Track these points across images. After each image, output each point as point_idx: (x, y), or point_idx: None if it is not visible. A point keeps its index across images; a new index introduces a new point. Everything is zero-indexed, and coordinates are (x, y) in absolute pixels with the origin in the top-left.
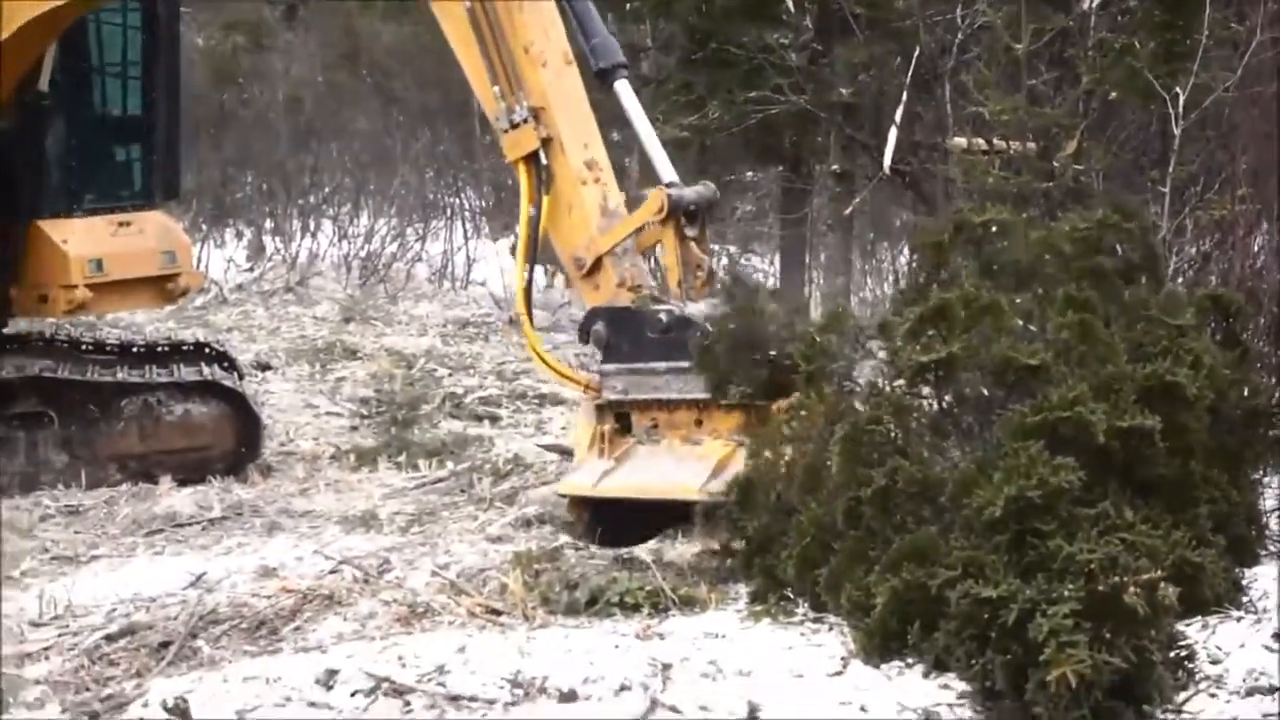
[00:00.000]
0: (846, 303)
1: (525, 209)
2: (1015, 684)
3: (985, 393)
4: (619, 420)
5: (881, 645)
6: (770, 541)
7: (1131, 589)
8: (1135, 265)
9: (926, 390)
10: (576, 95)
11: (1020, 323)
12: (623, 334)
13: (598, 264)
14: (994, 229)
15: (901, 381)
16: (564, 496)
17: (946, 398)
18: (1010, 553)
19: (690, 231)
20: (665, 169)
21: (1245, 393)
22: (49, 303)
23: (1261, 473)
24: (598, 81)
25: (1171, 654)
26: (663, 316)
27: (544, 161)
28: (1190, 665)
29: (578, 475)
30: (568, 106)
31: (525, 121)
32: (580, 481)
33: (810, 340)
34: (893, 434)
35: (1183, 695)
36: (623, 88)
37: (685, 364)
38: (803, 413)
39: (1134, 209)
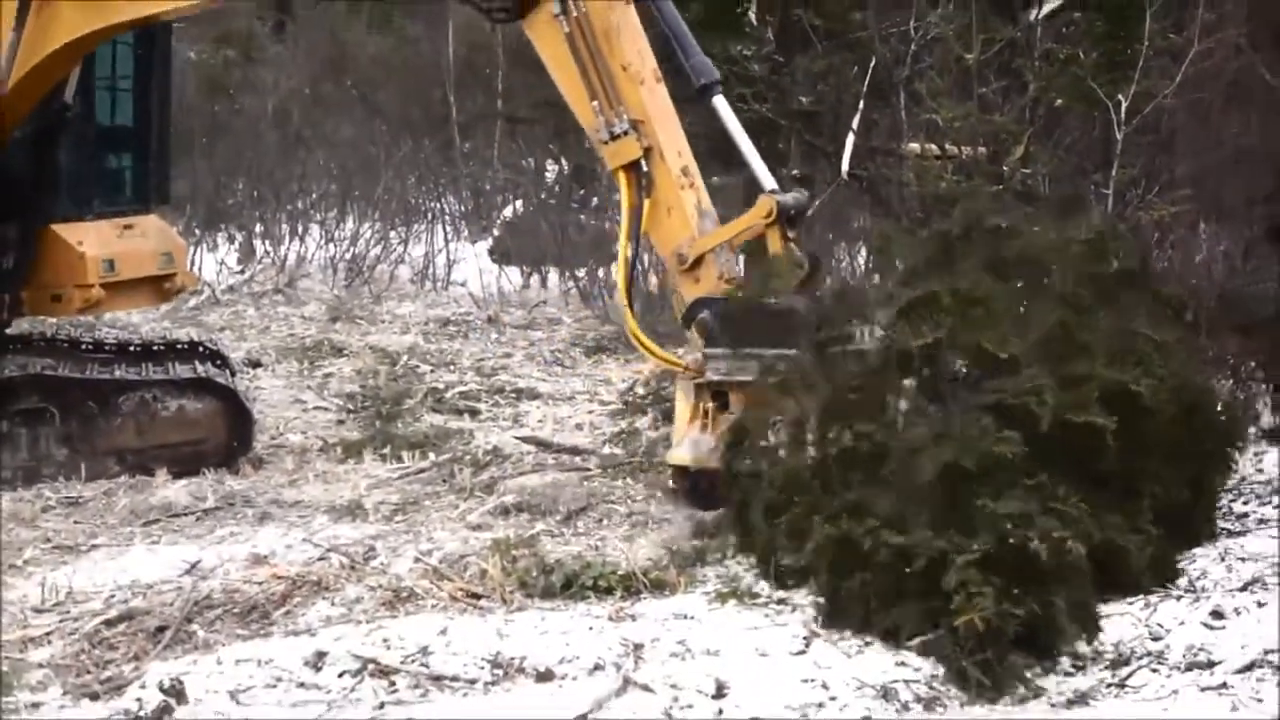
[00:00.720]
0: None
1: (626, 212)
2: (923, 630)
3: (964, 373)
4: (716, 399)
5: (817, 594)
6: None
7: (1038, 543)
8: (1131, 274)
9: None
10: (668, 109)
11: (1013, 315)
12: (729, 322)
13: (700, 260)
14: (1004, 228)
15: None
16: (668, 466)
17: (932, 373)
18: (939, 512)
19: (790, 233)
20: (766, 177)
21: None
22: (63, 302)
23: (1227, 474)
24: (698, 96)
25: (1080, 613)
26: (771, 307)
27: (644, 169)
28: (1098, 628)
29: (681, 449)
30: (663, 119)
31: (626, 133)
32: (683, 454)
33: (823, 311)
34: (877, 402)
35: (1125, 670)
36: (720, 102)
37: (791, 350)
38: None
39: (1128, 235)
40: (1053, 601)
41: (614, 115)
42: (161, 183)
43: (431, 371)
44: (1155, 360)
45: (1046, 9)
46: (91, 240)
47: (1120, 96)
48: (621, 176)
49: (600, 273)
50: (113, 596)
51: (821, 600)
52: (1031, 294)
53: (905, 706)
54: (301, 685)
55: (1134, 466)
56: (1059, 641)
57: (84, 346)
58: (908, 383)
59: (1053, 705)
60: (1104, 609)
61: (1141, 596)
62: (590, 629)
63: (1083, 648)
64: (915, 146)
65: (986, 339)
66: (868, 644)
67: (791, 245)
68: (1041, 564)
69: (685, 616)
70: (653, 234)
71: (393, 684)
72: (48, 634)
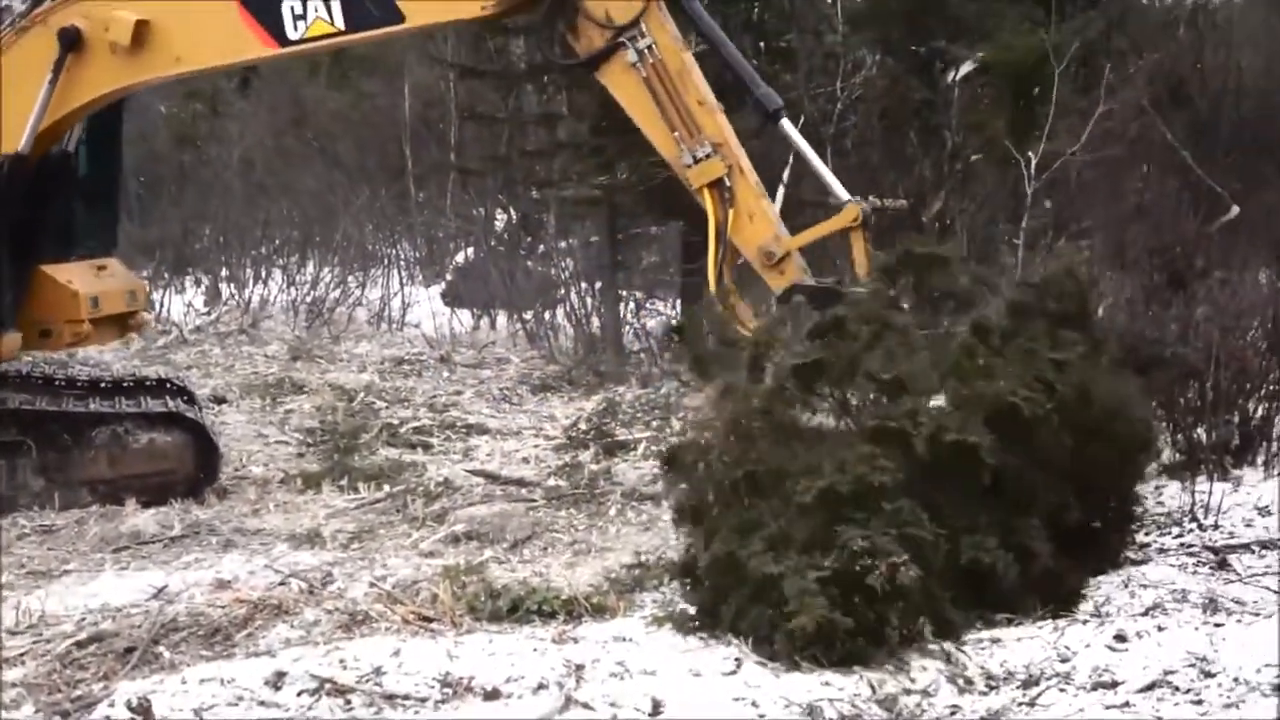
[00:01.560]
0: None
1: (713, 224)
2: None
3: (871, 396)
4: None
5: (701, 610)
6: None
7: (879, 570)
8: (1071, 315)
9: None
10: (733, 133)
11: (931, 341)
12: (823, 306)
13: (785, 256)
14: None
15: (793, 379)
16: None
17: (841, 395)
18: (818, 532)
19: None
20: (840, 189)
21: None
22: (53, 337)
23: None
24: (768, 122)
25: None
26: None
27: (727, 184)
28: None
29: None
30: (735, 141)
31: (709, 156)
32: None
33: (763, 330)
34: (787, 421)
35: (1035, 689)
36: (787, 125)
37: None
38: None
39: (1075, 267)
40: (885, 614)
41: (695, 143)
42: (114, 229)
43: (387, 408)
44: (1057, 378)
45: (963, 72)
46: (78, 279)
47: (1030, 153)
48: (706, 194)
49: (546, 315)
50: (83, 619)
51: (694, 610)
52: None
53: None
54: (262, 704)
55: (1027, 483)
56: (884, 652)
57: (59, 383)
58: (816, 405)
59: None
60: (1015, 631)
61: (1050, 620)
62: (535, 650)
63: (995, 668)
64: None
65: (879, 364)
66: (795, 665)
67: (870, 246)
68: (876, 586)
69: (624, 639)
70: (737, 238)
71: (348, 702)
72: (21, 655)
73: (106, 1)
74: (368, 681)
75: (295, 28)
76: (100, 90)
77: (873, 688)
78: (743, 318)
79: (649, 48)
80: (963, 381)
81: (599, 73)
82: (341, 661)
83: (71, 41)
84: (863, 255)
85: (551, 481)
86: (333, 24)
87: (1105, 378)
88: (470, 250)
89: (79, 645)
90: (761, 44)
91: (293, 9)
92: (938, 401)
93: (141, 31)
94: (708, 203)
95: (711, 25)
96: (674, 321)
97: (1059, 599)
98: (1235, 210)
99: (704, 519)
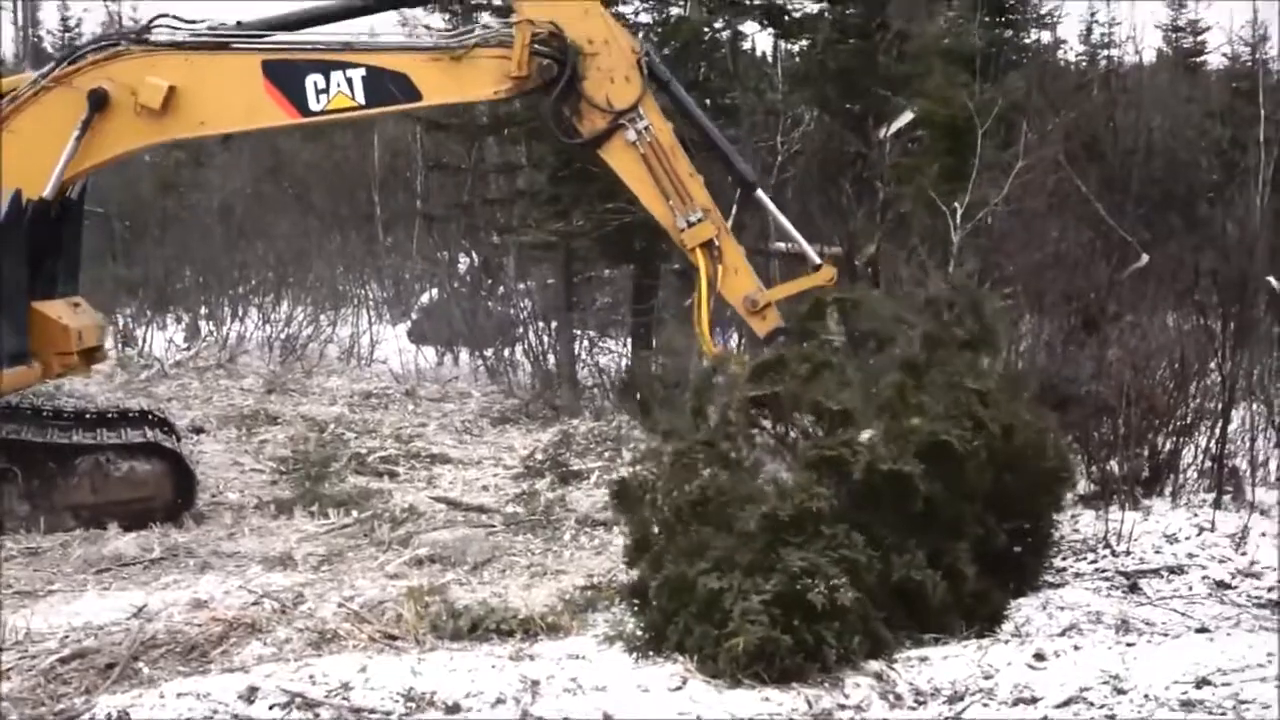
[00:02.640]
0: (731, 353)
1: (705, 278)
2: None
3: (809, 429)
4: None
5: (649, 630)
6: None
7: (818, 589)
8: (978, 340)
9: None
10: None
11: (861, 376)
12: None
13: (767, 305)
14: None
15: (741, 412)
16: None
17: (782, 428)
18: (759, 555)
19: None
20: (813, 253)
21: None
22: (43, 368)
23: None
24: (747, 192)
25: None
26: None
27: (716, 243)
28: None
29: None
30: (717, 208)
31: (700, 220)
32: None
33: (703, 374)
34: (728, 453)
35: (960, 705)
36: (762, 195)
37: None
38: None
39: (981, 296)
40: (821, 633)
41: (688, 209)
42: (77, 271)
43: (356, 438)
44: (983, 414)
45: (895, 127)
46: (65, 315)
47: (957, 204)
48: (698, 253)
49: (505, 352)
50: (67, 637)
51: (644, 627)
52: (880, 360)
53: None
54: (236, 717)
55: (956, 511)
56: (840, 664)
57: (45, 414)
58: (757, 434)
59: None
60: (942, 650)
61: (974, 640)
62: (493, 667)
63: (923, 685)
64: (781, 245)
65: (825, 396)
66: (737, 682)
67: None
68: (817, 606)
69: (577, 657)
70: (724, 290)
71: (317, 716)
72: (7, 670)
73: (132, 66)
74: (336, 696)
75: (317, 100)
76: (124, 148)
77: (809, 703)
78: (733, 359)
79: (646, 127)
80: (895, 417)
81: (601, 150)
82: (311, 677)
83: (100, 102)
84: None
85: (510, 508)
86: (353, 99)
87: (1024, 411)
88: (435, 291)
89: (62, 661)
90: (707, 101)
91: (316, 83)
92: (868, 433)
93: (171, 97)
94: (699, 260)
95: (693, 107)
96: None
97: (983, 619)
98: (1145, 259)
99: (652, 546)
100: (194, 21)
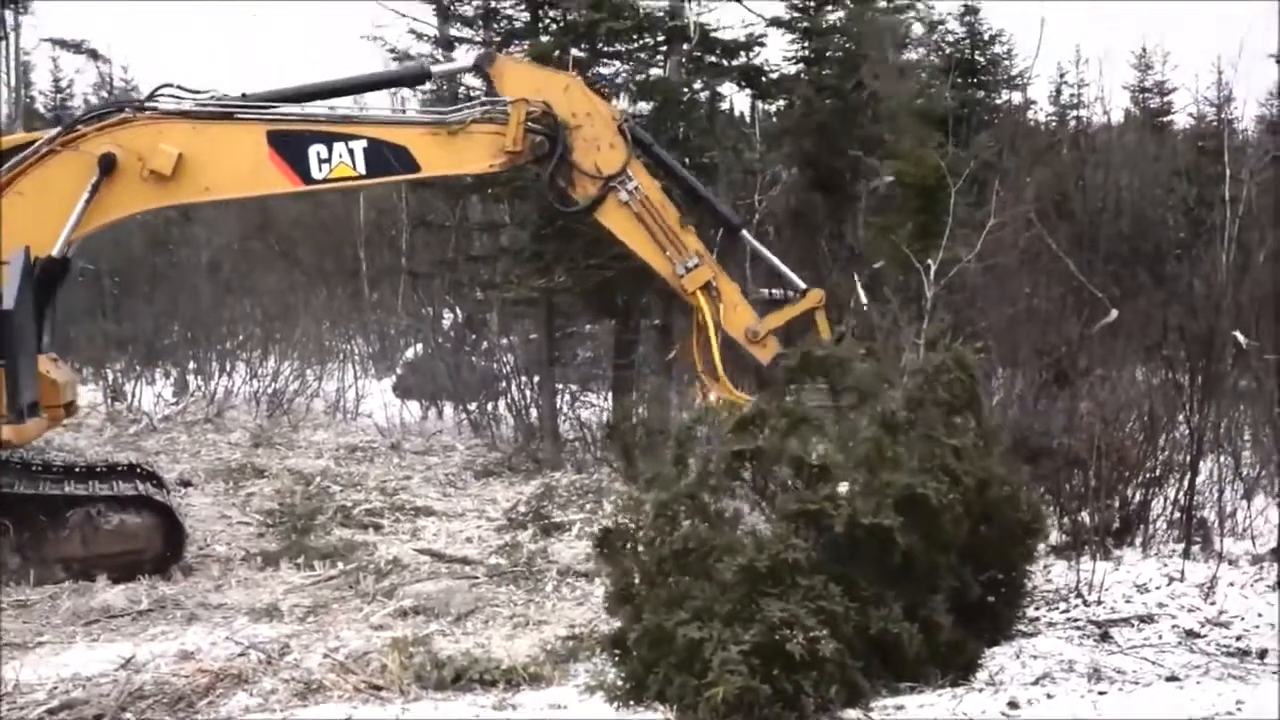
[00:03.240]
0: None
1: (710, 318)
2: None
3: (788, 482)
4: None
5: (630, 680)
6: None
7: (797, 639)
8: (962, 404)
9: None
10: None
11: (840, 431)
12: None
13: (767, 334)
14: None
15: (723, 465)
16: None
17: (762, 481)
18: (739, 605)
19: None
20: (798, 280)
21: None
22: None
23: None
24: (732, 234)
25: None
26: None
27: (714, 284)
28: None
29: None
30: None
31: (697, 265)
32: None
33: (685, 427)
34: (710, 505)
35: None
36: (747, 235)
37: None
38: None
39: (967, 358)
40: (800, 683)
41: (684, 256)
42: (53, 329)
43: (341, 491)
44: (958, 469)
45: (875, 185)
46: (52, 370)
47: (930, 260)
48: (699, 295)
49: (489, 406)
50: (55, 688)
51: (624, 677)
52: (860, 415)
53: None
54: None
55: (932, 562)
56: (818, 713)
57: (35, 468)
58: (738, 486)
59: None
60: (917, 699)
61: (949, 689)
62: (477, 717)
63: None
64: (764, 292)
65: (803, 451)
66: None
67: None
68: (795, 656)
69: (559, 706)
70: (727, 325)
71: None
72: None
73: (139, 132)
74: None
75: (320, 169)
76: (130, 210)
77: None
78: (739, 395)
79: (635, 188)
80: (873, 471)
81: (597, 214)
82: None
83: (109, 167)
84: (825, 328)
85: (493, 560)
86: (354, 169)
87: (998, 466)
88: (419, 346)
89: (51, 713)
90: (686, 159)
91: (319, 153)
92: (844, 486)
93: (177, 163)
94: (702, 302)
95: (675, 165)
96: None
97: (958, 668)
98: (1114, 314)
99: (633, 596)
100: (198, 91)
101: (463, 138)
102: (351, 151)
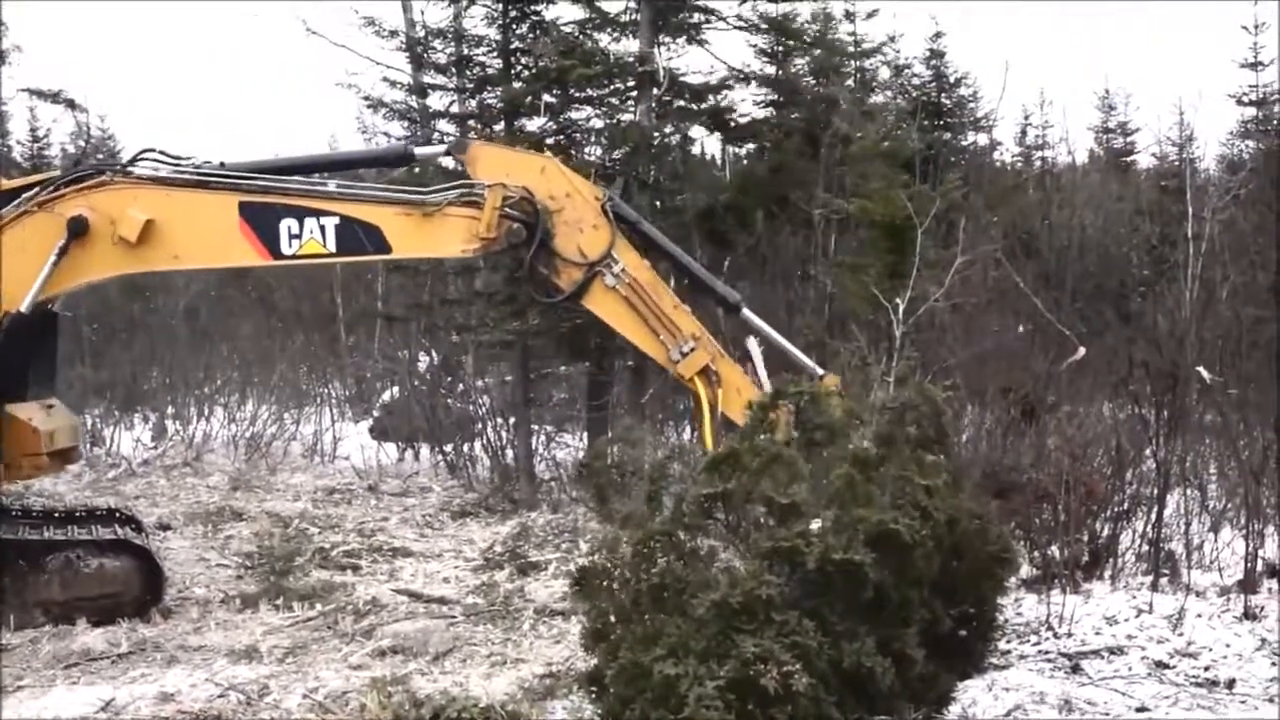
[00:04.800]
0: (684, 443)
1: (708, 406)
2: None
3: (761, 520)
4: None
5: (608, 714)
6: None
7: (771, 675)
8: (930, 439)
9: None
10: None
11: (811, 470)
12: None
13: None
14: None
15: (694, 506)
16: None
17: (735, 518)
18: (714, 641)
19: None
20: (813, 365)
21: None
22: (12, 469)
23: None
24: (732, 314)
25: None
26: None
27: (713, 368)
28: None
29: None
30: (706, 331)
31: (693, 350)
32: None
33: (657, 465)
34: (685, 543)
35: None
36: (749, 314)
37: None
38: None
39: (934, 395)
40: (775, 718)
41: (679, 340)
42: (54, 374)
43: (319, 533)
44: (929, 505)
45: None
46: (37, 418)
47: (898, 299)
48: (697, 380)
49: (465, 447)
50: None
51: (601, 714)
52: (832, 453)
53: None
54: None
55: (904, 596)
56: None
57: (15, 513)
58: (711, 525)
59: None
60: None
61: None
62: None
63: None
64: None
65: (774, 491)
66: None
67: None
68: (770, 691)
69: None
70: (729, 410)
71: None
72: None
73: (114, 197)
74: None
75: (289, 245)
76: (99, 274)
77: None
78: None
79: (622, 269)
80: (844, 508)
81: (584, 300)
82: None
83: (79, 229)
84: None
85: (470, 599)
86: (324, 246)
87: (966, 501)
88: (396, 389)
89: None
90: (657, 203)
91: (290, 228)
92: (816, 523)
93: (147, 230)
94: (699, 388)
95: (665, 242)
96: None
97: (930, 702)
98: (1081, 351)
99: (610, 633)
100: (180, 158)
101: (437, 220)
102: (323, 228)
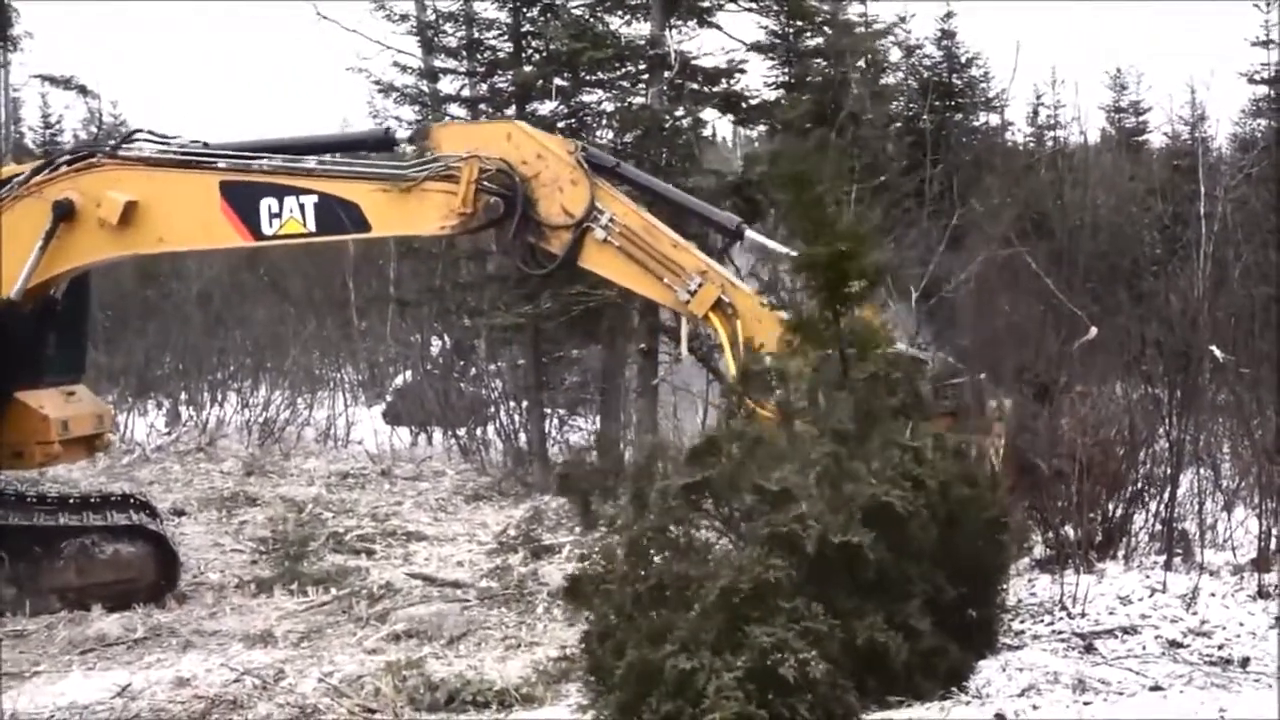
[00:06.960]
0: (666, 439)
1: (725, 338)
2: None
3: (751, 505)
4: None
5: (619, 711)
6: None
7: (789, 664)
8: (908, 406)
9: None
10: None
11: (796, 451)
12: None
13: None
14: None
15: (679, 496)
16: None
17: (725, 509)
18: (723, 632)
19: None
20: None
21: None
22: (24, 458)
23: (1006, 573)
24: (734, 238)
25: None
26: None
27: (726, 299)
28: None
29: None
30: (715, 263)
31: (700, 286)
32: None
33: (639, 465)
34: (679, 537)
35: None
36: (751, 234)
37: None
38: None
39: (909, 363)
40: (795, 705)
41: (684, 280)
42: (81, 360)
43: (333, 518)
44: (920, 473)
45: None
46: (49, 405)
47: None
48: (712, 316)
49: (478, 431)
50: (52, 717)
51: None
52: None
53: None
54: None
55: (903, 570)
56: None
57: (30, 499)
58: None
59: None
60: (906, 713)
61: (937, 702)
62: None
63: None
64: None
65: (762, 476)
66: None
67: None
68: (789, 679)
69: None
70: (757, 338)
71: None
72: None
73: (99, 179)
74: None
75: (270, 224)
76: (88, 259)
77: None
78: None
79: (610, 219)
80: (835, 486)
81: (580, 260)
82: None
83: (64, 213)
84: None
85: (484, 583)
86: (304, 226)
87: (955, 466)
88: (408, 373)
89: None
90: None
91: (270, 207)
92: (806, 504)
93: (130, 212)
94: (715, 323)
95: (649, 180)
96: None
97: (943, 676)
98: (1094, 331)
99: (613, 634)
100: (169, 138)
101: (416, 196)
102: (302, 207)
